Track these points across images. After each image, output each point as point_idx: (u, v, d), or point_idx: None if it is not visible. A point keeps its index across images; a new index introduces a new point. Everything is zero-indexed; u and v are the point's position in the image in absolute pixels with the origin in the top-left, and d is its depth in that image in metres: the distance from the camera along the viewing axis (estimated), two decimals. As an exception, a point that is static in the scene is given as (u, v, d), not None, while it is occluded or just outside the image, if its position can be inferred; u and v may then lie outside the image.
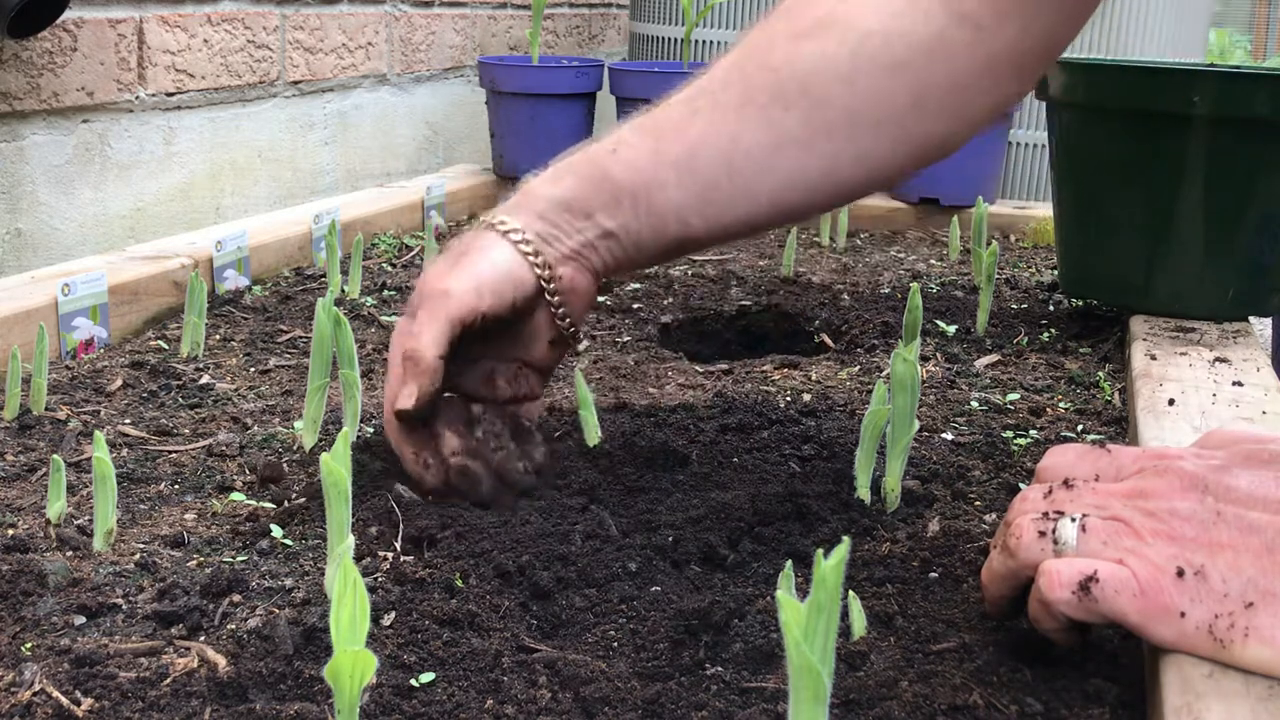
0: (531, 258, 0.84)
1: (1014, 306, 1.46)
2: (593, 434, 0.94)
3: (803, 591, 0.50)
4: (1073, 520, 0.63)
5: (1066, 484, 0.66)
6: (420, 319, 0.83)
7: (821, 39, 0.83)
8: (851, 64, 0.83)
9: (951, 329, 1.35)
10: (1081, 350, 1.29)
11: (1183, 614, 0.58)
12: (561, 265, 0.85)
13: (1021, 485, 0.91)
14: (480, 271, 0.83)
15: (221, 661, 0.64)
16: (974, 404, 1.10)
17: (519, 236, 0.84)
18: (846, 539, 0.51)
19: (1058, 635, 0.63)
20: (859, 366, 1.21)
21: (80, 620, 0.69)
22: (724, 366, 1.22)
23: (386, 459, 0.90)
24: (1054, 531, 0.63)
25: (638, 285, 1.53)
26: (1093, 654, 0.65)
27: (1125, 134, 1.29)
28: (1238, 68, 1.41)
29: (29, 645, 0.66)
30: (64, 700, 0.60)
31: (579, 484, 0.88)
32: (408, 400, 0.82)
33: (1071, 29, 0.86)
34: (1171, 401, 1.01)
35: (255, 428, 1.00)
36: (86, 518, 0.82)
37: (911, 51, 0.82)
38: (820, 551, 0.50)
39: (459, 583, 0.73)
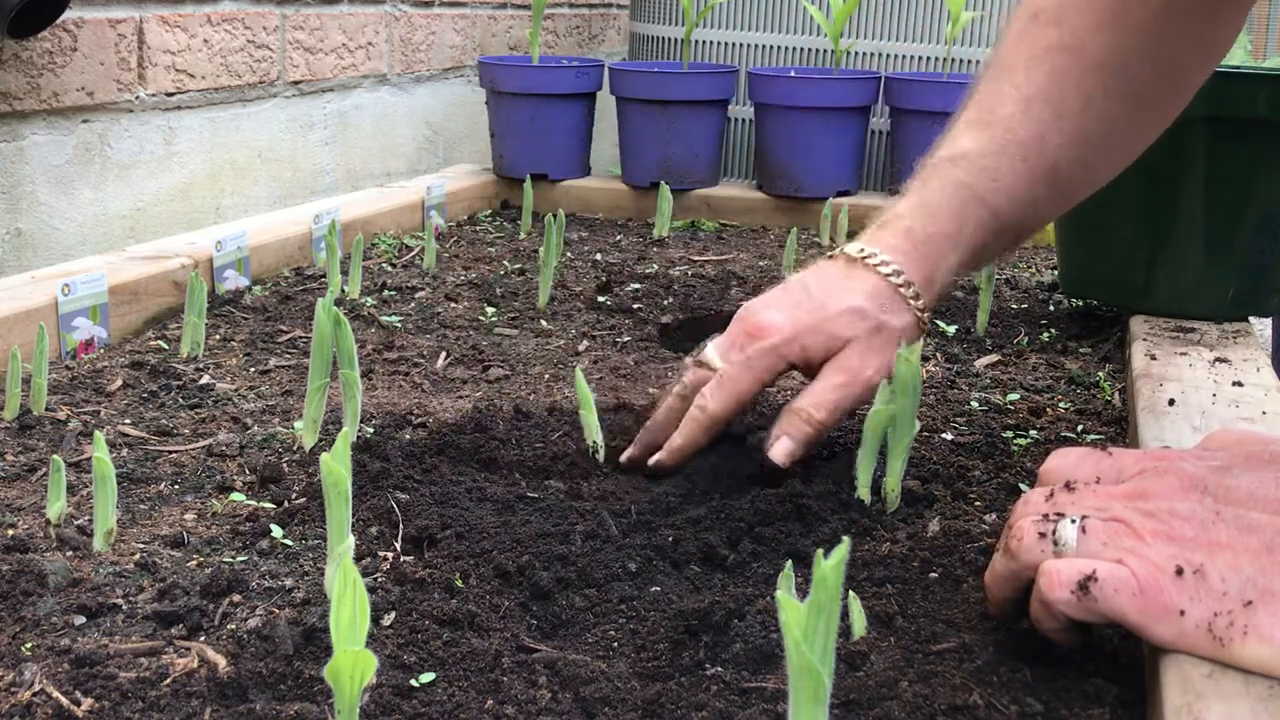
0: (921, 335, 0.89)
1: (1014, 306, 1.46)
2: (593, 434, 0.94)
3: (803, 591, 0.50)
4: (1073, 521, 0.63)
5: (1068, 486, 0.67)
6: (835, 395, 0.86)
7: (1121, 26, 0.89)
8: (1159, 38, 0.89)
9: (951, 329, 1.35)
10: (1081, 350, 1.29)
11: (1182, 613, 0.59)
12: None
13: (1022, 485, 0.91)
14: (892, 362, 0.85)
15: (221, 661, 0.64)
16: (974, 404, 1.10)
17: (923, 312, 0.89)
18: (846, 539, 0.51)
19: (1059, 635, 0.63)
20: (859, 366, 1.21)
21: (80, 620, 0.69)
22: (724, 366, 1.21)
23: (386, 459, 0.90)
24: (1054, 533, 0.63)
25: (638, 285, 1.53)
26: (1093, 654, 0.65)
27: (1125, 134, 1.29)
28: (1238, 68, 1.41)
29: (29, 645, 0.66)
30: (64, 700, 0.60)
31: (579, 484, 0.87)
32: (784, 456, 0.86)
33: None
34: (1172, 401, 1.01)
35: (255, 428, 1.00)
36: (86, 518, 0.82)
37: (1193, 10, 0.89)
38: (820, 551, 0.50)
39: (459, 583, 0.73)
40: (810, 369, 0.88)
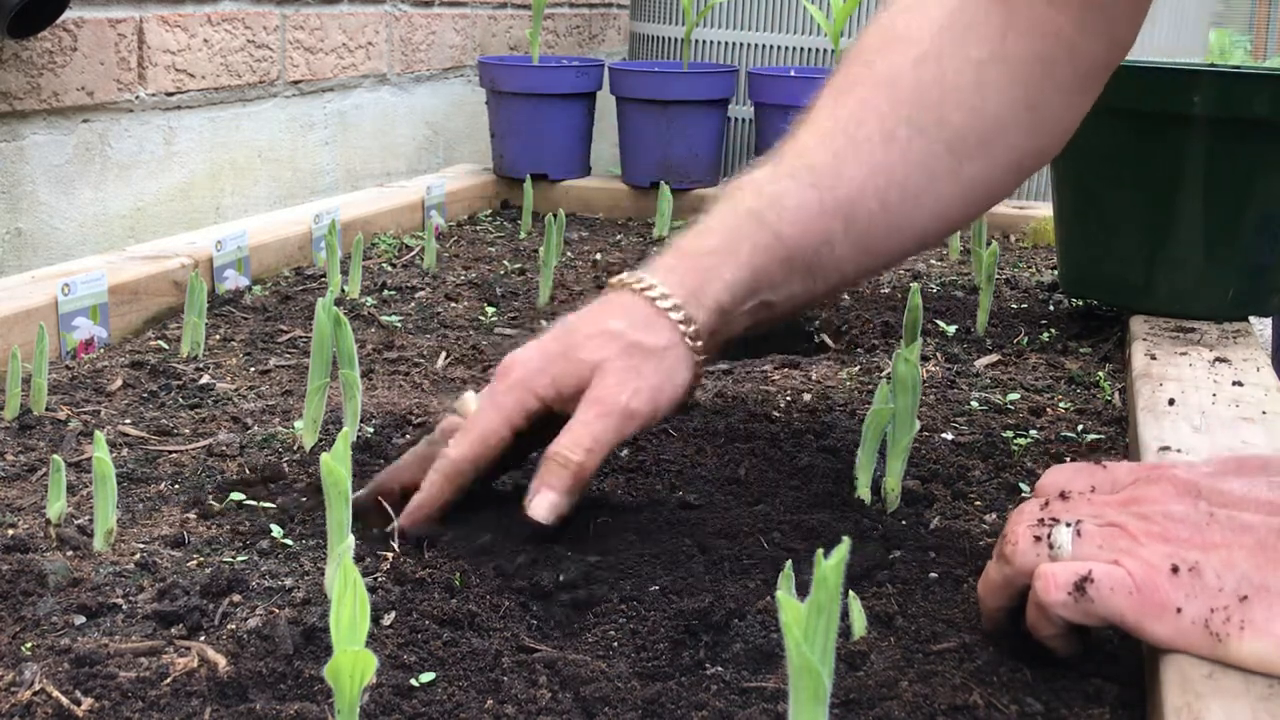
0: (698, 367, 0.80)
1: (1014, 306, 1.46)
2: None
3: (803, 591, 0.50)
4: (1068, 526, 0.63)
5: (1063, 495, 0.67)
6: (591, 430, 0.76)
7: (942, 64, 0.85)
8: (977, 89, 0.85)
9: (951, 329, 1.35)
10: (1081, 350, 1.29)
11: (1178, 610, 0.59)
12: (710, 356, 0.82)
13: (1022, 485, 0.91)
14: (661, 394, 0.78)
15: (221, 661, 0.64)
16: (974, 404, 1.10)
17: (696, 342, 0.80)
18: (846, 539, 0.51)
19: (1056, 642, 0.63)
20: (859, 366, 1.21)
21: (80, 620, 0.69)
22: (724, 366, 1.22)
23: (386, 459, 0.90)
24: (1049, 537, 0.63)
25: (638, 285, 1.53)
26: (1093, 654, 0.65)
27: (1126, 134, 1.29)
28: (1238, 68, 1.41)
29: (29, 645, 0.66)
30: (64, 700, 0.60)
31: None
32: (546, 511, 0.76)
33: (1132, 36, 0.90)
34: (1171, 401, 1.01)
35: (255, 428, 1.00)
36: (86, 518, 0.82)
37: (1028, 68, 0.86)
38: (820, 551, 0.50)
39: (459, 583, 0.73)
40: (566, 404, 0.79)
